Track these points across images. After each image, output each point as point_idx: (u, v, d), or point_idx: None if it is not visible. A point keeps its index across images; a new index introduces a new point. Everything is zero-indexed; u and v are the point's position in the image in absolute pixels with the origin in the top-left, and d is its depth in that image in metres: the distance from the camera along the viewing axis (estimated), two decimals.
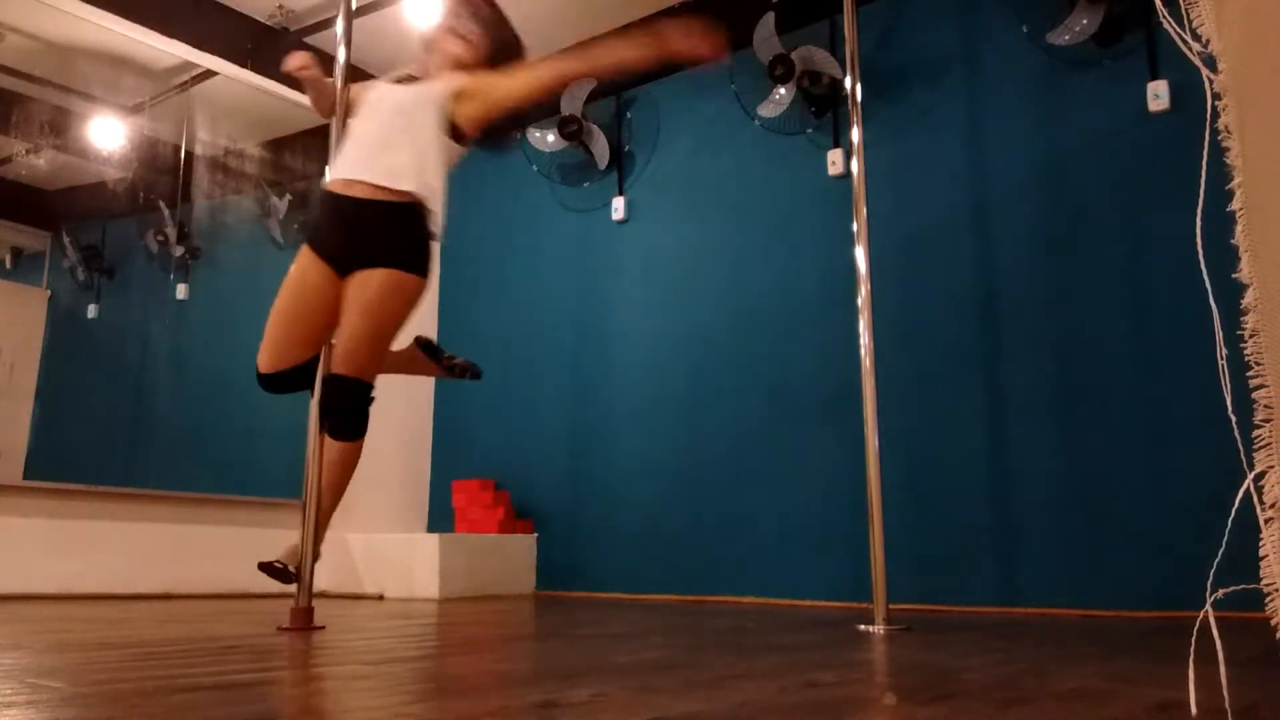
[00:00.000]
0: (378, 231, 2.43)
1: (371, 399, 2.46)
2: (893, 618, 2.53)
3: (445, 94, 2.54)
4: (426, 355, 2.75)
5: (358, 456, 2.49)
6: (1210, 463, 2.85)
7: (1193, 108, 3.11)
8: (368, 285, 2.39)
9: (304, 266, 2.47)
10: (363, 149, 2.49)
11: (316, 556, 2.45)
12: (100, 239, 4.09)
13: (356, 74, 2.83)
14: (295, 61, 2.53)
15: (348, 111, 2.64)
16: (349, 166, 2.48)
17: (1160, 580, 2.94)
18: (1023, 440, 3.29)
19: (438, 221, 2.50)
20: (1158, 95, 3.17)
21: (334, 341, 2.46)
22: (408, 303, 2.45)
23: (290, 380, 2.48)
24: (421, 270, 2.46)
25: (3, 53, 3.84)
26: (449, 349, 2.84)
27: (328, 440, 2.45)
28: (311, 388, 2.50)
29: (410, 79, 2.78)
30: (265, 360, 2.46)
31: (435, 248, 2.51)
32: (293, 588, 2.41)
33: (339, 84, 2.69)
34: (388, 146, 2.46)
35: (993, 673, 1.54)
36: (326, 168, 2.58)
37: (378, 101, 2.57)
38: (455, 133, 2.57)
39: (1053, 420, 3.24)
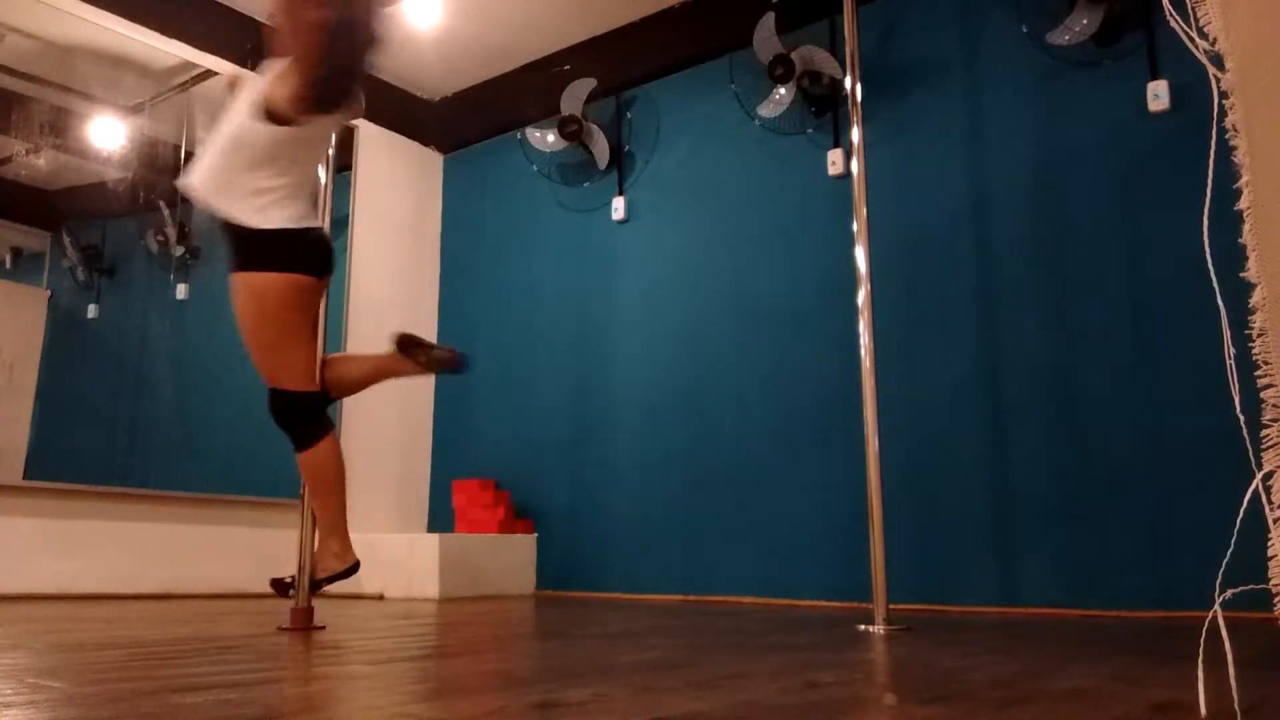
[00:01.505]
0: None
1: (301, 408, 2.38)
2: (893, 618, 2.52)
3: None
4: (405, 354, 2.61)
5: (323, 466, 2.40)
6: (1210, 463, 2.86)
7: (1193, 108, 3.11)
8: (235, 297, 2.39)
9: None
10: None
11: (346, 567, 2.44)
12: (100, 239, 4.09)
13: None
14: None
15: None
16: None
17: (1160, 580, 2.94)
18: (1023, 440, 3.28)
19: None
20: (1158, 95, 3.17)
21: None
22: (258, 301, 2.35)
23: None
24: (256, 265, 2.34)
25: (3, 53, 3.83)
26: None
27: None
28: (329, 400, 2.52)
29: None
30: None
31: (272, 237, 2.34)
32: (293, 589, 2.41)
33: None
34: None
35: (993, 673, 1.54)
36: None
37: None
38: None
39: (1053, 420, 3.24)
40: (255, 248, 2.33)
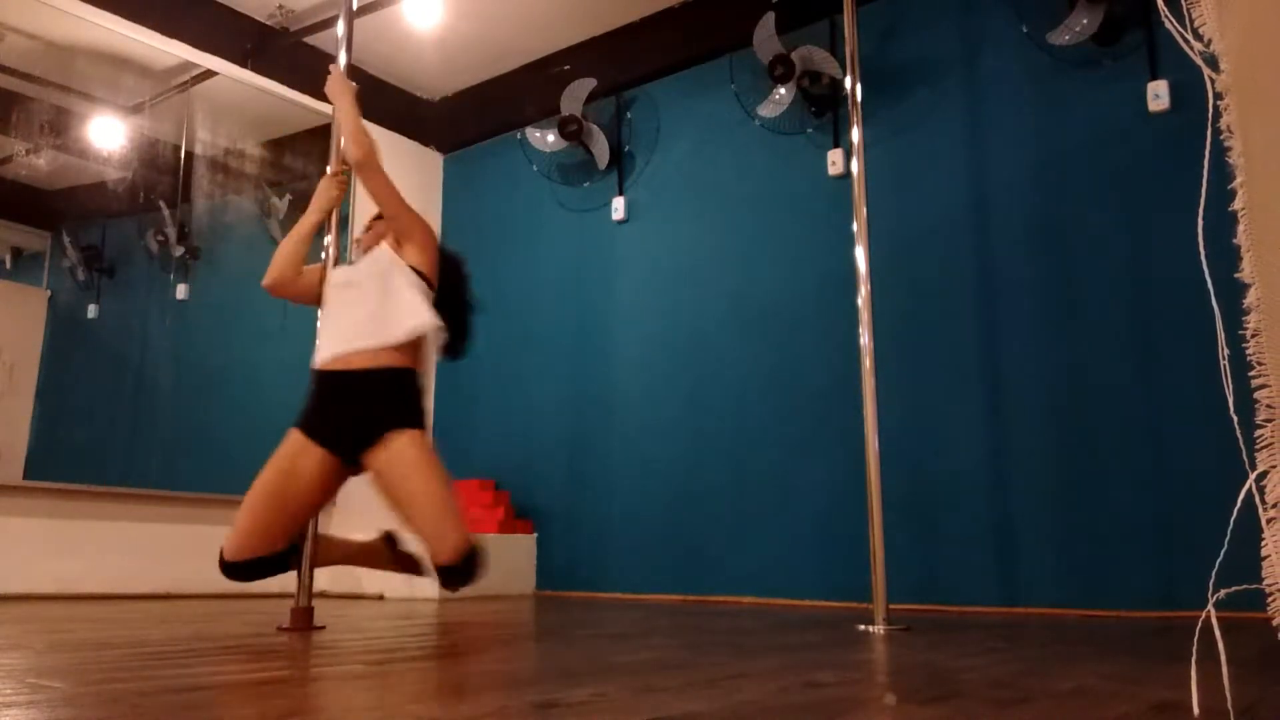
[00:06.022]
0: (385, 401, 2.32)
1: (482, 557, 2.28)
2: (893, 618, 2.52)
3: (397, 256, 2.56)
4: (390, 550, 2.53)
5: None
6: (1210, 463, 2.85)
7: (1193, 108, 3.11)
8: (405, 451, 2.25)
9: (294, 451, 2.31)
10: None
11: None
12: (100, 239, 4.09)
13: (355, 75, 2.83)
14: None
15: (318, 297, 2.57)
16: (338, 342, 2.38)
17: (1160, 580, 2.94)
18: (1023, 440, 3.28)
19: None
20: (1158, 95, 3.17)
21: (417, 530, 2.27)
22: (433, 456, 2.31)
23: (263, 568, 2.29)
24: (422, 423, 2.37)
25: (3, 53, 3.83)
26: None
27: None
28: (287, 570, 2.35)
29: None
30: (233, 546, 2.24)
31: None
32: (292, 586, 2.41)
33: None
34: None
35: (993, 673, 1.54)
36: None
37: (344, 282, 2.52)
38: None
39: (1053, 420, 3.24)
40: (419, 404, 2.39)
